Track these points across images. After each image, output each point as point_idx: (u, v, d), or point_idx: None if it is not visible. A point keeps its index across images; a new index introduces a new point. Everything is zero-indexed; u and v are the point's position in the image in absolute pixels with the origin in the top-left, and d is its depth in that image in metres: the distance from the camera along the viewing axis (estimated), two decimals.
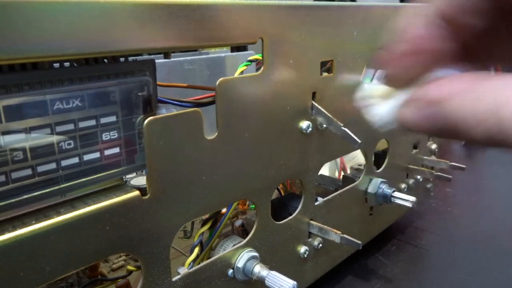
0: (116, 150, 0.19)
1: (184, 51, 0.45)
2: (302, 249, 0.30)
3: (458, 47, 0.14)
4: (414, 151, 0.45)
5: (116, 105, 0.19)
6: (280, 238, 0.28)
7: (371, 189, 0.37)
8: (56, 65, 0.18)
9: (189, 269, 0.23)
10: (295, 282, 0.24)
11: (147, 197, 0.20)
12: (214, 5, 0.20)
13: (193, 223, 0.36)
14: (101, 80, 0.18)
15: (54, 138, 0.17)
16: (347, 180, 0.38)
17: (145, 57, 0.31)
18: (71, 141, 0.18)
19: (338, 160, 0.45)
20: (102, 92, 0.18)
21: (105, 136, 0.19)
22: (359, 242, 0.30)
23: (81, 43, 0.16)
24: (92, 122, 0.18)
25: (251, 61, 0.27)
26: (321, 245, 0.32)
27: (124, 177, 0.21)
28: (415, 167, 0.45)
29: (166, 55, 0.39)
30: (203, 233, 0.26)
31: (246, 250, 0.26)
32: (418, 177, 0.46)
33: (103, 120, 0.19)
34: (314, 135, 0.29)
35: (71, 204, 0.18)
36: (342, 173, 0.44)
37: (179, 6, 0.19)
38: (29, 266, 0.16)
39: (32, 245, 0.16)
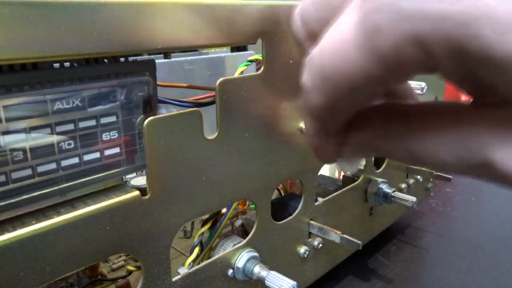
0: (116, 150, 0.19)
1: (184, 51, 0.45)
2: (302, 249, 0.30)
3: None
4: None
5: (116, 105, 0.19)
6: (280, 238, 0.28)
7: (371, 189, 0.37)
8: (56, 65, 0.18)
9: (189, 269, 0.23)
10: (295, 282, 0.24)
11: (147, 197, 0.20)
12: (214, 5, 0.20)
13: (193, 223, 0.36)
14: (101, 80, 0.18)
15: (54, 138, 0.17)
16: (347, 180, 0.38)
17: (145, 57, 0.31)
18: (71, 141, 0.18)
19: None
20: (102, 92, 0.18)
21: (105, 136, 0.19)
22: (359, 242, 0.30)
23: (82, 43, 0.16)
24: (92, 122, 0.18)
25: (251, 61, 0.27)
26: (321, 245, 0.32)
27: (124, 177, 0.21)
28: (415, 167, 0.45)
29: (166, 55, 0.39)
30: (203, 233, 0.26)
31: (246, 250, 0.26)
32: (418, 177, 0.46)
33: (103, 120, 0.19)
34: None
35: (71, 204, 0.18)
36: (342, 173, 0.44)
37: (179, 6, 0.19)
38: (29, 266, 0.16)
39: (32, 245, 0.16)
